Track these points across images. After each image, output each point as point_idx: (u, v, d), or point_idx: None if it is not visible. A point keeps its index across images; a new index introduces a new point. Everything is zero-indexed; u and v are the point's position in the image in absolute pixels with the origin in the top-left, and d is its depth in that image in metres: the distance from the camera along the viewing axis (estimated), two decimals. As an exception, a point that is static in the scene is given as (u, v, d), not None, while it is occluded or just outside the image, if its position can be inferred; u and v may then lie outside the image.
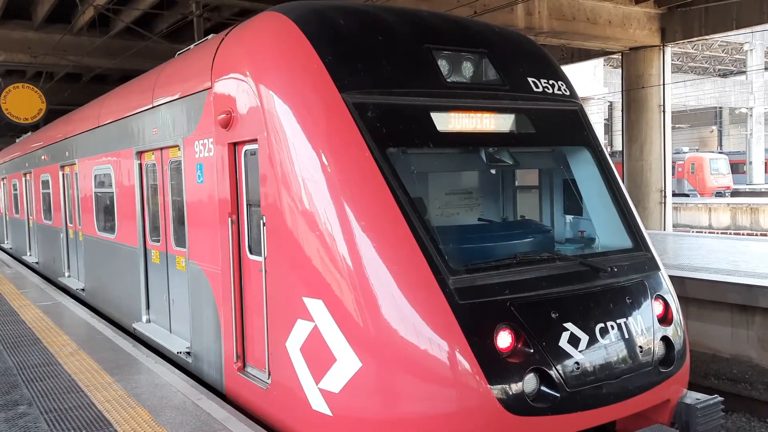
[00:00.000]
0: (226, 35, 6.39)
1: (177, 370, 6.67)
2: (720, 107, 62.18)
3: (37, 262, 16.52)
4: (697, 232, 31.55)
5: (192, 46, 7.76)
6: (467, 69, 5.70)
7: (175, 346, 7.38)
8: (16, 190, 19.16)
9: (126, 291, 9.26)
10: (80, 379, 6.44)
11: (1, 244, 22.90)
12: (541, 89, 6.06)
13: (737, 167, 51.88)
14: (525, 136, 5.81)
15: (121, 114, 9.11)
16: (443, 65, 5.54)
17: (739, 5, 18.77)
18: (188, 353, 7.11)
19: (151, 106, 7.89)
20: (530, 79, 6.05)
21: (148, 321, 8.62)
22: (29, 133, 19.70)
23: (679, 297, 6.04)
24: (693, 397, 5.51)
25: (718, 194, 43.17)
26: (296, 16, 5.47)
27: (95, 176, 10.50)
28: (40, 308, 10.21)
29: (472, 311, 4.59)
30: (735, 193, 44.47)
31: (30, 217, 17.20)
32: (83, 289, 11.82)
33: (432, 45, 5.58)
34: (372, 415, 4.60)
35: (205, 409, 5.49)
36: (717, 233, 30.93)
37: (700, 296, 10.69)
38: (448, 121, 5.35)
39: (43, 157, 14.74)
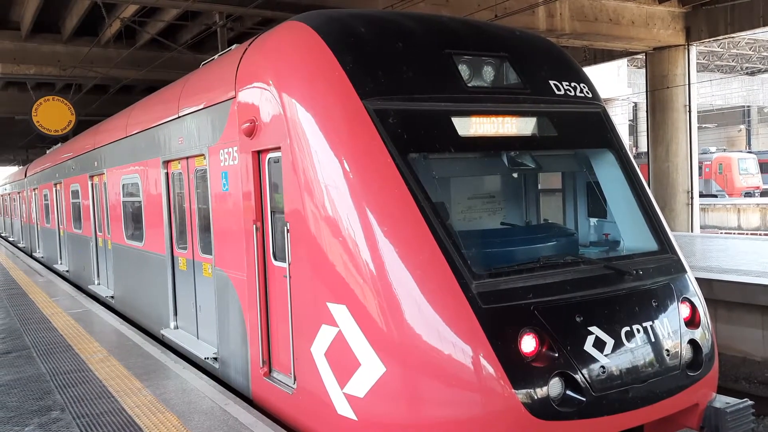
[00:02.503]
0: (249, 45, 6.48)
1: (204, 376, 6.76)
2: (748, 106, 61.09)
3: (67, 271, 16.85)
4: (725, 233, 31.00)
5: (216, 57, 7.88)
6: (488, 73, 5.71)
7: (203, 351, 7.48)
8: (47, 200, 19.57)
9: (154, 298, 9.41)
10: (111, 385, 6.56)
11: (33, 253, 23.38)
12: (563, 92, 6.05)
13: (767, 167, 50.82)
14: (547, 140, 5.80)
15: (147, 124, 9.27)
16: (464, 70, 5.56)
17: (765, 2, 18.45)
18: (215, 359, 7.20)
19: (176, 116, 8.03)
20: (552, 82, 6.04)
21: (176, 327, 8.75)
22: (59, 144, 20.12)
23: (707, 299, 5.96)
24: (722, 400, 5.43)
25: (747, 194, 42.33)
26: (317, 25, 5.54)
27: (123, 185, 10.70)
28: (71, 316, 10.42)
29: (495, 315, 4.59)
30: (765, 193, 43.53)
31: (60, 227, 17.55)
32: (112, 297, 12.03)
33: (452, 50, 5.60)
34: (397, 420, 4.62)
35: (233, 414, 5.56)
36: (746, 234, 30.36)
37: (729, 298, 10.52)
38: (470, 126, 5.37)
39: (72, 168, 15.05)
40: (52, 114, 21.72)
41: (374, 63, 5.29)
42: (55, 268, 18.24)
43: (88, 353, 7.92)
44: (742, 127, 67.28)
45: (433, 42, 5.62)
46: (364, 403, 4.74)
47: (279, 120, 5.54)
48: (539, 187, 6.86)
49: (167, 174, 8.64)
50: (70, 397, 6.26)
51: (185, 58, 19.22)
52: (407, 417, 4.57)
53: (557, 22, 17.87)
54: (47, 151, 21.55)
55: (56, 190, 17.70)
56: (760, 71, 56.78)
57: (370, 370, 4.67)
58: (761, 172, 45.22)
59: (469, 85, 5.53)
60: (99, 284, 13.49)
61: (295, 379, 5.50)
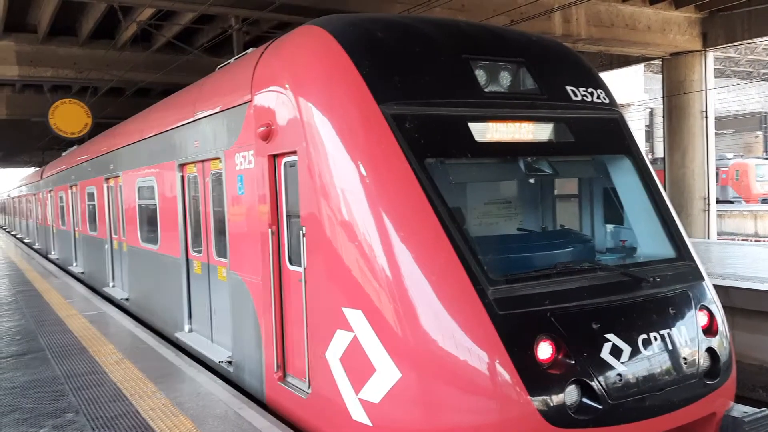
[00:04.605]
0: (265, 49, 6.50)
1: (219, 379, 6.77)
2: (765, 112, 60.49)
3: (82, 273, 16.96)
4: (742, 240, 30.66)
5: (232, 60, 7.91)
6: (505, 78, 5.68)
7: (217, 355, 7.49)
8: (62, 202, 19.74)
9: (169, 301, 9.45)
10: (125, 388, 6.59)
11: (48, 255, 23.58)
12: (579, 98, 6.01)
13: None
14: (564, 145, 5.76)
15: (163, 127, 9.33)
16: (481, 75, 5.54)
17: (783, 8, 18.29)
18: (229, 362, 7.21)
19: (192, 119, 8.07)
20: (568, 88, 6.00)
21: (190, 330, 8.78)
22: (75, 147, 20.30)
23: (724, 307, 5.90)
24: (740, 410, 5.38)
25: (765, 201, 41.89)
26: (334, 29, 5.54)
27: (139, 188, 10.76)
28: (86, 318, 10.48)
29: (511, 322, 4.57)
30: (782, 200, 43.07)
31: (76, 229, 17.69)
32: (127, 299, 12.10)
33: (469, 55, 5.58)
34: (412, 426, 4.59)
35: (247, 419, 5.55)
36: (763, 241, 30.02)
37: (746, 306, 10.40)
38: (486, 131, 5.35)
39: (88, 170, 15.18)
40: (68, 116, 21.93)
41: (391, 67, 5.28)
42: (70, 270, 18.38)
43: (103, 356, 7.96)
44: (759, 133, 66.58)
45: (450, 47, 5.61)
46: (379, 409, 4.72)
47: (295, 124, 5.54)
48: (556, 192, 6.82)
49: (183, 177, 8.68)
50: (84, 400, 6.29)
51: (201, 62, 19.33)
52: (422, 423, 4.55)
53: (573, 27, 17.78)
54: (63, 154, 21.76)
55: (72, 193, 17.85)
56: (777, 77, 56.19)
57: (386, 375, 4.65)
58: (779, 179, 44.71)
59: (485, 90, 5.51)
60: (114, 287, 13.57)
61: (309, 384, 5.49)
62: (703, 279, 5.76)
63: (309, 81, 5.49)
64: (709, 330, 5.43)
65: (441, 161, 5.13)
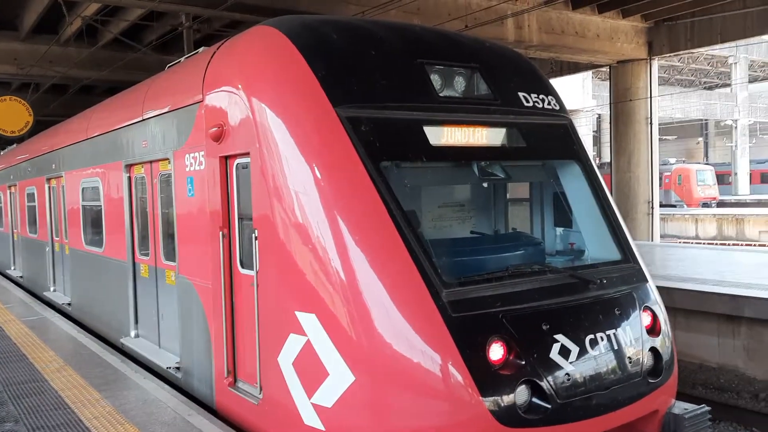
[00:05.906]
0: (217, 49, 6.40)
1: (166, 386, 6.61)
2: (706, 119, 62.91)
3: (21, 276, 16.34)
4: (684, 242, 31.79)
5: (182, 59, 7.75)
6: (459, 84, 5.74)
7: (165, 361, 7.31)
8: (0, 203, 18.97)
9: (114, 306, 9.18)
10: (67, 396, 6.36)
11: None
12: (531, 104, 6.12)
13: (723, 178, 52.50)
14: (516, 150, 5.86)
15: (110, 127, 9.07)
16: (436, 80, 5.58)
17: (723, 20, 19.06)
18: (178, 368, 7.05)
19: (140, 119, 7.87)
20: (521, 94, 6.10)
21: (137, 336, 8.55)
22: (14, 145, 19.55)
23: (666, 307, 6.10)
24: (681, 407, 5.57)
25: (705, 205, 43.62)
26: (289, 30, 5.49)
27: (83, 189, 10.43)
28: (25, 323, 10.09)
29: (464, 324, 4.61)
30: (721, 204, 44.93)
31: (14, 231, 17.03)
32: (69, 304, 11.70)
33: (425, 60, 5.61)
34: (365, 429, 4.58)
35: (196, 425, 5.44)
36: (703, 243, 31.19)
37: (687, 306, 10.77)
38: (441, 135, 5.38)
39: (28, 170, 14.63)
40: (8, 114, 21.09)
41: (347, 70, 5.26)
42: (8, 273, 17.67)
43: (43, 363, 7.67)
44: (700, 139, 69.25)
45: (405, 51, 5.62)
46: (332, 413, 4.69)
47: (248, 125, 5.46)
48: (508, 196, 6.92)
49: (130, 178, 8.45)
50: (24, 408, 6.04)
51: (149, 60, 18.88)
52: (375, 426, 4.54)
53: (525, 33, 18.11)
54: (1, 153, 20.93)
55: (10, 193, 17.18)
56: (717, 86, 58.55)
57: (339, 379, 4.62)
58: (718, 184, 46.67)
59: (440, 94, 5.55)
60: (55, 291, 13.10)
61: (261, 389, 5.41)
62: (646, 280, 5.94)
63: (263, 82, 5.42)
64: (653, 330, 5.61)
65: (396, 164, 5.14)
